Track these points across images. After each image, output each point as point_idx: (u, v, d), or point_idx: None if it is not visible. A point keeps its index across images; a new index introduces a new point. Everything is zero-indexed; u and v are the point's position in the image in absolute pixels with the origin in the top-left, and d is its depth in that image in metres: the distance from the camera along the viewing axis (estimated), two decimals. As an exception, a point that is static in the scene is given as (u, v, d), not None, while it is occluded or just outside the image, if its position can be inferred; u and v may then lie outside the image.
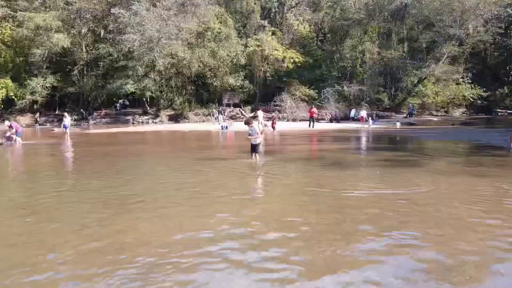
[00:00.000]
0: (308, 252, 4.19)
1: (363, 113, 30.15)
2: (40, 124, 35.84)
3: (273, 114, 36.82)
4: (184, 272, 3.75)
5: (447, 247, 4.32)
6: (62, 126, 23.75)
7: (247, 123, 11.20)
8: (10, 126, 18.15)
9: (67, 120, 22.72)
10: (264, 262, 3.94)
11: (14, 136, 17.72)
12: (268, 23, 41.61)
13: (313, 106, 31.76)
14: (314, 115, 29.08)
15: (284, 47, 40.28)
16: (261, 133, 11.00)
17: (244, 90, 40.18)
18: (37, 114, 37.25)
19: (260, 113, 25.60)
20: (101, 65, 39.24)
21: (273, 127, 24.19)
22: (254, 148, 10.86)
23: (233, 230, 4.94)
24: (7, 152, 15.45)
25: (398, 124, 28.83)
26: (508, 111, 52.59)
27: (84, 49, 39.22)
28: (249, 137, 10.83)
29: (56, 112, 39.51)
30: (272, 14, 46.13)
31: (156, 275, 3.67)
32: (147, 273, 3.71)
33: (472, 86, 48.00)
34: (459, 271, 3.68)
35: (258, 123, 24.12)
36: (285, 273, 3.69)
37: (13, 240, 4.70)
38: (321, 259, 4.02)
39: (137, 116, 39.88)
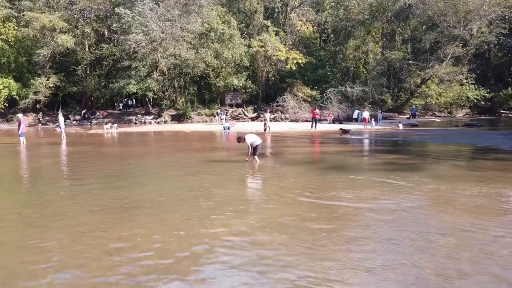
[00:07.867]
0: (306, 261, 4.17)
1: (366, 114, 30.07)
2: (42, 124, 36.03)
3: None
4: (178, 279, 3.75)
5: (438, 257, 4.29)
6: (58, 127, 24.02)
7: (239, 140, 10.87)
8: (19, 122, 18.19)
9: (61, 120, 22.83)
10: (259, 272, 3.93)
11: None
12: (271, 23, 41.57)
13: (316, 107, 31.68)
14: (317, 116, 29.05)
15: (287, 48, 40.23)
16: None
17: (247, 90, 40.19)
18: (40, 114, 37.44)
19: (267, 115, 27.42)
20: (104, 65, 39.34)
21: (266, 129, 25.33)
22: (253, 150, 10.79)
23: (229, 237, 4.93)
24: (7, 154, 15.51)
25: (400, 125, 28.68)
26: (512, 112, 52.35)
27: (87, 49, 39.33)
28: (249, 152, 10.85)
29: (59, 112, 39.74)
30: (275, 14, 46.09)
31: (150, 280, 3.67)
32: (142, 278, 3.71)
33: (476, 87, 47.81)
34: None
35: (266, 124, 25.66)
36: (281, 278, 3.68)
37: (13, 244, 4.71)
38: (318, 267, 4.00)
39: (140, 116, 39.98)
